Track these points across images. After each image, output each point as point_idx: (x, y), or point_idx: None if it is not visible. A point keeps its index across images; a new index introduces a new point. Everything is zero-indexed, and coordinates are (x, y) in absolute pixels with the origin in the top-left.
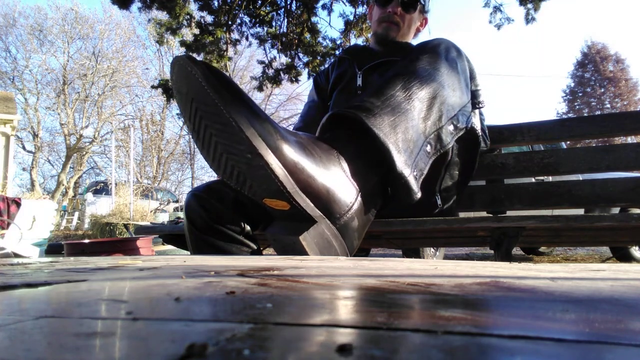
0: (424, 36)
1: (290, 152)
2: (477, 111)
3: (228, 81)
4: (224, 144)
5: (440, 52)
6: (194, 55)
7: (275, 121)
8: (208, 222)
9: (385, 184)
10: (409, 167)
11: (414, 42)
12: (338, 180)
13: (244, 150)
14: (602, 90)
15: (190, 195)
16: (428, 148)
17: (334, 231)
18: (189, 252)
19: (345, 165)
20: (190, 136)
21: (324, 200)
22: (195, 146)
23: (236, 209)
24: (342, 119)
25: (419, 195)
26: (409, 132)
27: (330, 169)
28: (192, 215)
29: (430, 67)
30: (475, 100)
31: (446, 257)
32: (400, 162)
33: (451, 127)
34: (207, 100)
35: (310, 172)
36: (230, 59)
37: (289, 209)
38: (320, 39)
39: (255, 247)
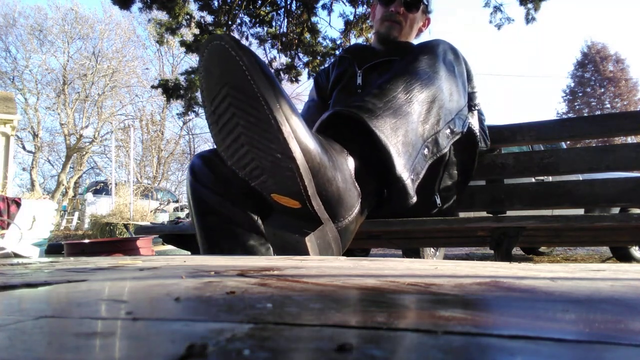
0: (424, 36)
1: (316, 155)
2: (476, 111)
3: (273, 76)
4: (250, 137)
5: (438, 54)
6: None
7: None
8: (216, 185)
9: (381, 185)
10: (408, 171)
11: (416, 42)
12: (347, 183)
13: (274, 149)
14: (602, 90)
15: (196, 157)
16: (426, 151)
17: (335, 233)
18: (189, 252)
19: (352, 167)
20: (205, 115)
21: (334, 204)
22: (209, 127)
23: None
24: (343, 118)
25: (414, 199)
26: (408, 135)
27: (342, 172)
28: (199, 175)
29: (430, 69)
30: (471, 103)
31: (446, 257)
32: (400, 166)
33: (448, 131)
34: (247, 91)
35: (328, 176)
36: None
37: (299, 208)
38: (320, 39)
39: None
